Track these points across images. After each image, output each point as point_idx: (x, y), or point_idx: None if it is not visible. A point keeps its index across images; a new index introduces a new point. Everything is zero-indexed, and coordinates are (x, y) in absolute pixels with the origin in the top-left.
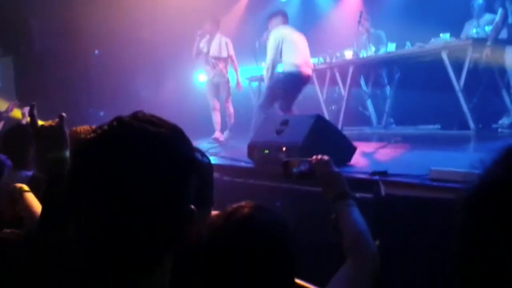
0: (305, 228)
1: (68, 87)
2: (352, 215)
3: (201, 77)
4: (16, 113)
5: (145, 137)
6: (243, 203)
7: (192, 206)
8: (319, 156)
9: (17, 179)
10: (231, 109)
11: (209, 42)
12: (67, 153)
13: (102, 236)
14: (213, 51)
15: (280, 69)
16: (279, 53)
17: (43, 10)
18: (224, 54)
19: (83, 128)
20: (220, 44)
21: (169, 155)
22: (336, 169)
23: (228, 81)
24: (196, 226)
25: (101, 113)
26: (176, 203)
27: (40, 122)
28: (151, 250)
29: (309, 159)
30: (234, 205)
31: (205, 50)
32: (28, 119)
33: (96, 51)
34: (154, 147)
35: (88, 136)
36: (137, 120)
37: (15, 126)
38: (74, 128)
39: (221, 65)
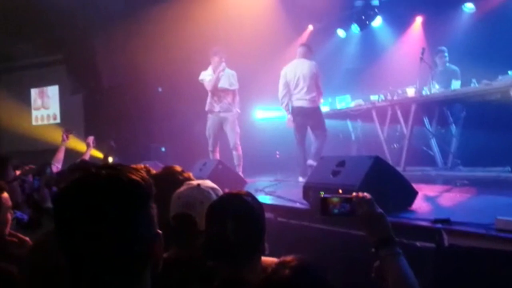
0: (357, 272)
1: (132, 122)
2: (400, 267)
3: (259, 114)
4: (75, 142)
5: (103, 191)
6: (287, 260)
7: (158, 231)
8: (361, 194)
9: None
10: (240, 150)
11: (219, 75)
12: None
13: (84, 262)
14: (223, 83)
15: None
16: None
17: (111, 48)
18: (234, 86)
19: (135, 166)
20: (228, 76)
21: (124, 196)
22: (379, 210)
23: (237, 115)
24: (162, 246)
25: (163, 149)
26: (137, 231)
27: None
28: (129, 270)
29: (350, 196)
30: (277, 263)
31: (217, 83)
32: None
33: (160, 89)
34: (113, 192)
35: (68, 184)
36: (98, 174)
37: (79, 163)
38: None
39: (229, 98)
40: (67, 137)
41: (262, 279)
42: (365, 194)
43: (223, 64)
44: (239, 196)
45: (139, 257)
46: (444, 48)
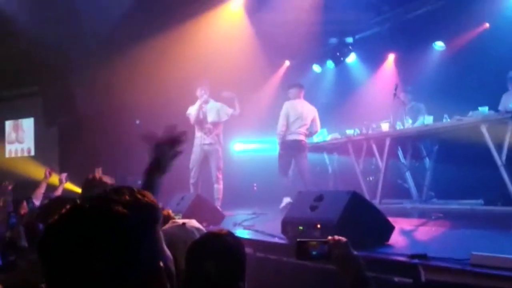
0: None
1: (109, 155)
2: None
3: (237, 146)
4: (54, 179)
5: (100, 217)
6: None
7: (161, 263)
8: (336, 237)
9: None
10: (221, 183)
11: (202, 108)
12: None
13: None
14: (212, 117)
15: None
16: None
17: (88, 82)
18: (224, 118)
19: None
20: (216, 108)
21: (121, 228)
22: (354, 252)
23: (221, 148)
24: (163, 280)
25: (139, 182)
26: (138, 265)
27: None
28: None
29: (326, 239)
30: None
31: (200, 116)
32: (64, 184)
33: (137, 121)
34: (108, 226)
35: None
36: (94, 202)
37: (56, 199)
38: None
39: (218, 131)
40: (50, 174)
41: None
42: (341, 237)
43: (204, 97)
44: (220, 236)
45: None
46: (408, 87)
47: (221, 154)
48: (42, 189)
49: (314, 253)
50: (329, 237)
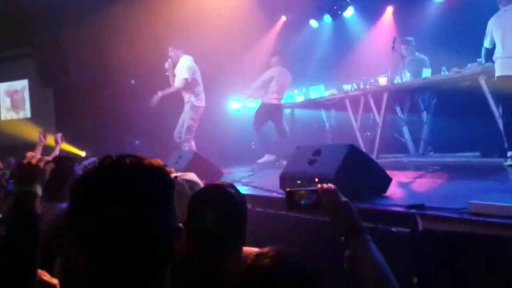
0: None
1: (105, 116)
2: (370, 254)
3: (234, 105)
4: (50, 140)
5: (130, 175)
6: (265, 250)
7: (180, 224)
8: (325, 185)
9: (53, 211)
10: (186, 145)
11: (167, 71)
12: (37, 189)
13: (103, 256)
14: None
15: None
16: None
17: (81, 43)
18: (177, 84)
19: None
20: (177, 72)
21: (150, 188)
22: (344, 199)
23: (191, 108)
24: (184, 240)
25: (137, 142)
26: (162, 224)
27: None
28: (147, 264)
29: (314, 188)
30: (256, 254)
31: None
32: (61, 145)
33: (132, 81)
34: (138, 184)
35: (85, 172)
36: (123, 160)
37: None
38: None
39: (184, 92)
40: (44, 137)
41: (242, 271)
42: (330, 185)
43: (169, 60)
44: (221, 187)
45: (160, 253)
46: (409, 38)
47: (191, 114)
48: (38, 153)
49: (303, 202)
50: (318, 186)
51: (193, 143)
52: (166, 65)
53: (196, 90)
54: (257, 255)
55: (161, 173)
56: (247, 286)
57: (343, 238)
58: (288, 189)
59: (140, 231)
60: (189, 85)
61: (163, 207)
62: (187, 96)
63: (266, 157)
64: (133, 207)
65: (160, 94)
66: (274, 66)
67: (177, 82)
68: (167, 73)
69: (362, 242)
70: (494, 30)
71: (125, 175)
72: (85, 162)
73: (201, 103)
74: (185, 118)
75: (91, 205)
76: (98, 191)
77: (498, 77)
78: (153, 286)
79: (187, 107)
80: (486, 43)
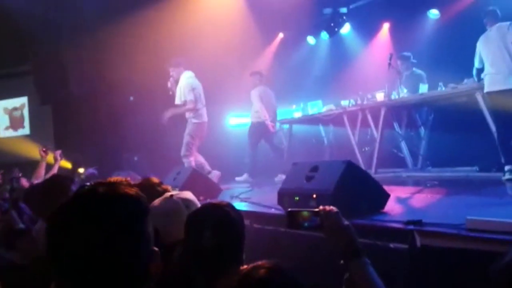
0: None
1: (104, 132)
2: (368, 277)
3: (232, 120)
4: (49, 157)
5: (104, 203)
6: (260, 263)
7: (155, 248)
8: (327, 208)
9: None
10: (186, 161)
11: (171, 91)
12: None
13: (83, 281)
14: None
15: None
16: None
17: (81, 59)
18: (178, 102)
19: (115, 179)
20: (179, 92)
21: (123, 215)
22: (346, 222)
23: (191, 126)
24: (159, 263)
25: (135, 158)
26: (136, 249)
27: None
28: (124, 287)
29: (316, 210)
30: (251, 265)
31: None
32: (60, 162)
33: (131, 97)
34: (111, 211)
35: (65, 202)
36: (97, 189)
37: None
38: (108, 179)
39: (186, 111)
40: (46, 153)
41: (238, 279)
42: (332, 207)
43: (171, 79)
44: (219, 206)
45: (138, 275)
46: (406, 54)
47: (189, 130)
48: (42, 169)
49: (306, 224)
50: (320, 207)
51: (192, 159)
52: (169, 84)
53: (195, 107)
54: (253, 266)
55: (134, 201)
56: None
57: (342, 262)
58: (289, 209)
59: (115, 256)
60: (190, 104)
61: (137, 232)
62: (186, 114)
63: (245, 177)
64: (106, 233)
65: (170, 113)
66: (258, 85)
67: (177, 100)
68: (170, 92)
69: (362, 265)
70: (482, 50)
71: (98, 204)
72: (86, 172)
73: (201, 119)
74: (185, 134)
75: (67, 233)
76: (73, 219)
77: (486, 93)
78: None
79: (188, 123)
80: (476, 63)
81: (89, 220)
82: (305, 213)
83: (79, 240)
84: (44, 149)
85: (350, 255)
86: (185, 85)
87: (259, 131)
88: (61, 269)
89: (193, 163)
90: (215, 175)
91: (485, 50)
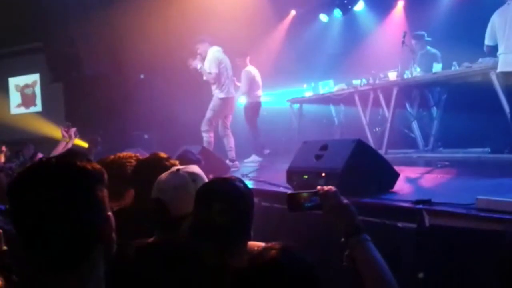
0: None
1: (114, 110)
2: (369, 253)
3: (242, 100)
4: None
5: (54, 173)
6: (272, 244)
7: (109, 213)
8: (325, 187)
9: None
10: (208, 136)
11: (197, 67)
12: None
13: (39, 240)
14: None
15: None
16: None
17: (92, 37)
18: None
19: (124, 154)
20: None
21: (69, 181)
22: (345, 201)
23: (217, 99)
24: (112, 227)
25: (146, 136)
26: (86, 213)
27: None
28: (77, 249)
29: (315, 190)
30: (263, 247)
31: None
32: (74, 140)
33: (142, 75)
34: (59, 178)
35: (22, 171)
36: (49, 162)
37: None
38: (117, 154)
39: (212, 85)
40: (68, 132)
41: (249, 259)
42: (330, 186)
43: (197, 57)
44: (229, 180)
45: (85, 238)
46: (420, 33)
47: (212, 105)
48: (61, 148)
49: (305, 205)
50: (318, 187)
51: (211, 134)
52: (197, 62)
53: (220, 81)
54: (264, 247)
55: (81, 171)
56: (253, 275)
57: (343, 239)
58: (289, 192)
59: (66, 219)
60: (215, 77)
61: (85, 199)
62: (213, 88)
63: (253, 157)
64: (57, 199)
65: (196, 64)
66: (248, 65)
67: (205, 76)
68: (199, 70)
69: (361, 242)
70: (497, 25)
71: (50, 174)
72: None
73: (226, 94)
74: (208, 109)
75: (25, 198)
76: (31, 186)
77: (500, 72)
78: (85, 267)
79: (213, 98)
80: (486, 40)
81: (40, 186)
82: (304, 194)
83: (30, 203)
84: (66, 129)
85: (350, 232)
86: (211, 58)
87: (256, 110)
88: (20, 229)
89: (211, 139)
90: (233, 166)
91: (501, 27)
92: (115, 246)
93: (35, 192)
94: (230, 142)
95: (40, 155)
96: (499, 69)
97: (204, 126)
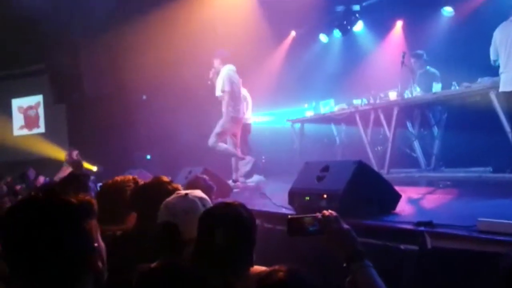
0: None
1: (117, 131)
2: (370, 279)
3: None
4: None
5: (42, 209)
6: (278, 267)
7: (96, 244)
8: (326, 213)
9: None
10: (219, 150)
11: (212, 81)
12: None
13: (27, 266)
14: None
15: None
16: None
17: (94, 58)
18: (217, 93)
19: (122, 178)
20: (219, 82)
21: (54, 217)
22: (346, 226)
23: (228, 118)
24: (98, 259)
25: (148, 157)
26: (73, 245)
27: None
28: (63, 276)
29: (315, 215)
30: (270, 269)
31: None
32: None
33: (144, 96)
34: (54, 217)
35: (11, 210)
36: (36, 197)
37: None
38: (115, 178)
39: (224, 102)
40: (71, 157)
41: (257, 281)
42: (331, 211)
43: (212, 70)
44: (232, 205)
45: (71, 267)
46: (419, 52)
47: (222, 122)
48: (64, 172)
49: (306, 230)
50: (318, 214)
51: (221, 144)
52: (211, 74)
53: (232, 100)
54: (271, 270)
55: (67, 206)
56: None
57: (345, 264)
58: (289, 217)
59: (52, 251)
60: (227, 96)
61: (71, 231)
62: (223, 106)
63: (256, 177)
64: (44, 234)
65: (213, 74)
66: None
67: (217, 92)
68: (209, 82)
69: (363, 268)
70: (498, 42)
71: (37, 210)
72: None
73: (237, 114)
74: (217, 124)
75: (14, 232)
76: (20, 222)
77: (501, 92)
78: None
79: (223, 115)
80: (491, 54)
81: (28, 223)
82: (305, 219)
83: (19, 236)
84: (70, 153)
85: (352, 258)
86: (224, 75)
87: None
88: (10, 260)
89: (226, 145)
90: (235, 187)
91: (502, 44)
92: (105, 274)
93: (23, 227)
94: (238, 163)
95: (42, 178)
96: (500, 89)
97: (211, 142)
